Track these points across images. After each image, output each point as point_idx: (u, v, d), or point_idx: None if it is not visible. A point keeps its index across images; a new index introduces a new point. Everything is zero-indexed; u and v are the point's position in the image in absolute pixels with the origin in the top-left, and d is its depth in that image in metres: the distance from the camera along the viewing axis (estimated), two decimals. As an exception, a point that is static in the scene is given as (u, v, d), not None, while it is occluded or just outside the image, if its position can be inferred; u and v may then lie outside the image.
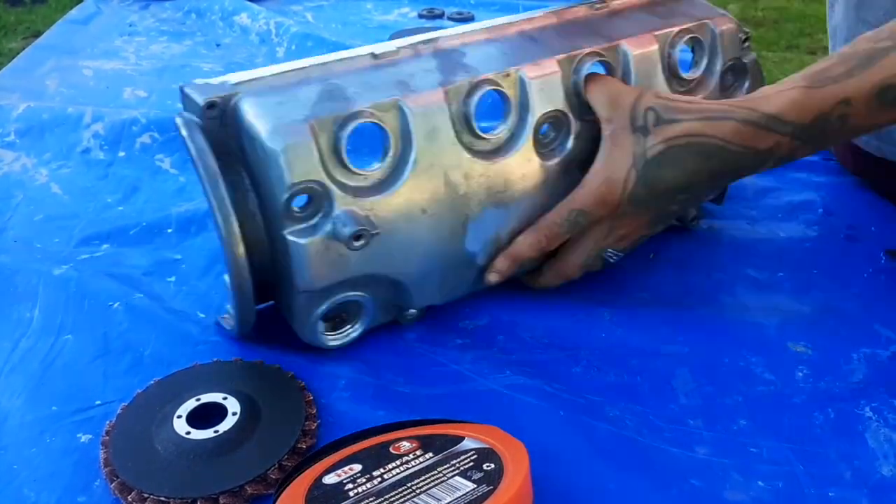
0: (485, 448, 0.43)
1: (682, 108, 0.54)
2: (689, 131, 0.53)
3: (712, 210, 0.75)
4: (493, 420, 0.47)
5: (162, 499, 0.43)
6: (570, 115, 0.57)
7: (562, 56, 0.56)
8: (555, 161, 0.57)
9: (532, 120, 0.55)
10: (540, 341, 0.57)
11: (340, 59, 0.54)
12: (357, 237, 0.49)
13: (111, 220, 0.71)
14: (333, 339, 0.55)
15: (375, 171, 0.51)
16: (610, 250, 0.59)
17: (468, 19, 1.22)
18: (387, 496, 0.40)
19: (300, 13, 1.29)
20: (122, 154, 0.83)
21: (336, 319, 0.55)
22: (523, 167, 0.55)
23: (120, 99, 0.96)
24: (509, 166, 0.55)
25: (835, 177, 0.82)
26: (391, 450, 0.44)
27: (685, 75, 0.62)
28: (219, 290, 0.61)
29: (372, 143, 0.52)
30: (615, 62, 0.59)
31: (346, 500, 0.40)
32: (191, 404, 0.49)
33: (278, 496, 0.43)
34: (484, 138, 0.54)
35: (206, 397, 0.49)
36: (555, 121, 0.57)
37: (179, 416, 0.48)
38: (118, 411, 0.49)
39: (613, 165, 0.55)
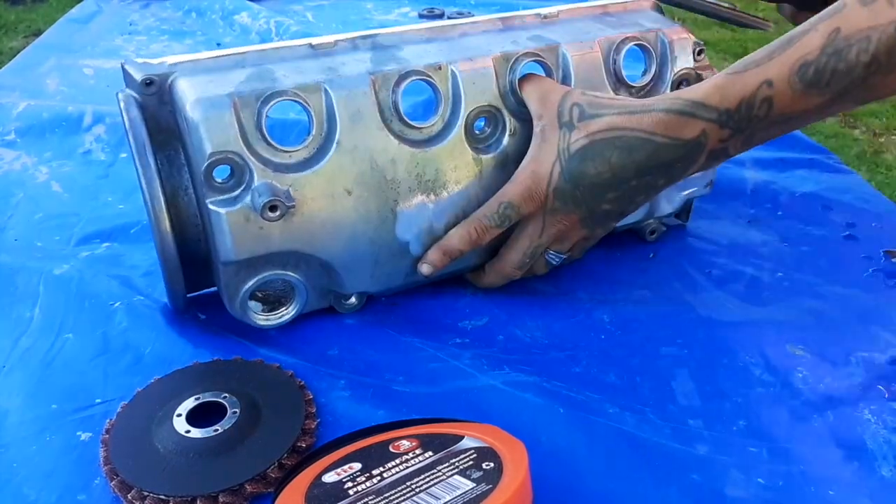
0: (484, 447, 0.43)
1: (605, 104, 0.55)
2: (611, 125, 0.54)
3: (710, 210, 0.75)
4: (492, 419, 0.47)
5: (162, 497, 0.43)
6: (505, 112, 0.58)
7: (498, 54, 0.58)
8: (490, 156, 0.58)
9: (463, 113, 0.57)
10: (539, 341, 0.57)
11: (278, 48, 0.56)
12: (272, 208, 0.51)
13: (111, 219, 0.71)
14: (264, 320, 0.56)
15: (300, 149, 0.53)
16: (552, 252, 0.60)
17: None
18: (386, 495, 0.40)
19: (300, 13, 1.29)
20: (123, 155, 0.83)
21: (275, 304, 0.57)
22: (455, 158, 0.57)
23: (120, 98, 0.96)
24: (440, 156, 0.56)
25: (834, 174, 0.82)
26: (391, 448, 0.44)
27: (634, 82, 0.62)
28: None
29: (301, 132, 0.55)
30: (554, 64, 0.60)
31: (345, 498, 0.40)
32: (190, 403, 0.49)
33: (278, 494, 0.43)
34: (415, 127, 0.56)
35: (206, 396, 0.49)
36: (489, 116, 0.58)
37: (179, 415, 0.48)
38: (118, 410, 0.49)
39: (540, 159, 0.56)
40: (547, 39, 0.60)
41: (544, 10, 0.64)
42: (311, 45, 0.56)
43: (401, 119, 0.55)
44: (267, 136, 0.51)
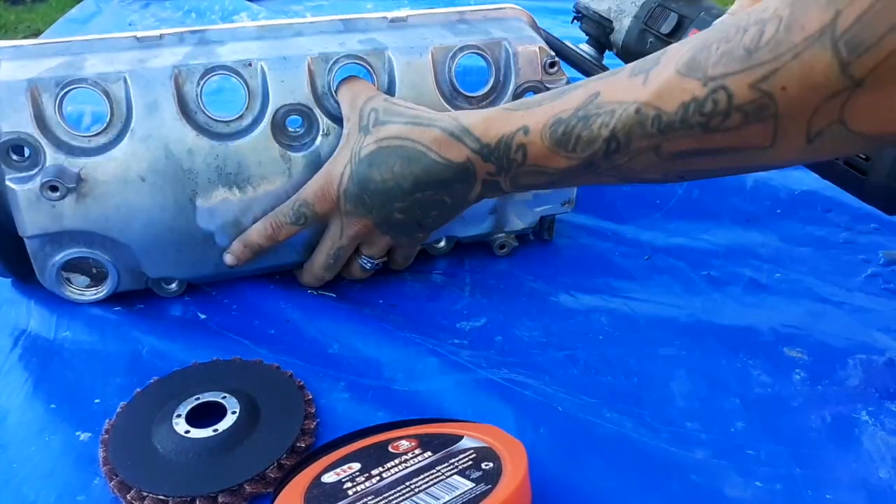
0: (483, 447, 0.43)
1: (397, 112, 0.55)
2: (396, 134, 0.54)
3: (709, 208, 0.75)
4: (491, 419, 0.47)
5: (161, 497, 0.43)
6: (318, 112, 0.58)
7: (316, 54, 0.58)
8: (300, 154, 0.58)
9: (270, 109, 0.57)
10: (537, 342, 0.57)
11: (104, 39, 0.57)
12: (52, 188, 0.53)
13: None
14: (78, 294, 0.59)
15: (98, 135, 0.55)
16: (364, 256, 0.60)
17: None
18: (385, 495, 0.40)
19: (300, 13, 1.29)
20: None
21: (103, 280, 0.59)
22: (259, 154, 0.57)
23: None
24: (241, 150, 0.57)
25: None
26: (390, 449, 0.44)
27: (472, 93, 0.61)
28: (219, 289, 0.62)
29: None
30: (378, 68, 0.59)
31: (344, 498, 0.40)
32: (190, 403, 0.49)
33: (277, 495, 0.43)
34: (221, 121, 0.57)
35: (206, 396, 0.49)
36: (303, 116, 0.58)
37: (179, 415, 0.48)
38: (117, 410, 0.49)
39: (337, 160, 0.56)
40: (377, 43, 0.60)
41: (392, 14, 0.62)
42: (136, 38, 0.57)
43: (206, 112, 0.56)
44: (63, 120, 0.54)
